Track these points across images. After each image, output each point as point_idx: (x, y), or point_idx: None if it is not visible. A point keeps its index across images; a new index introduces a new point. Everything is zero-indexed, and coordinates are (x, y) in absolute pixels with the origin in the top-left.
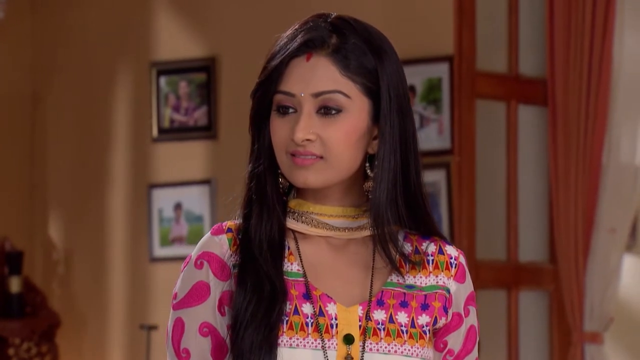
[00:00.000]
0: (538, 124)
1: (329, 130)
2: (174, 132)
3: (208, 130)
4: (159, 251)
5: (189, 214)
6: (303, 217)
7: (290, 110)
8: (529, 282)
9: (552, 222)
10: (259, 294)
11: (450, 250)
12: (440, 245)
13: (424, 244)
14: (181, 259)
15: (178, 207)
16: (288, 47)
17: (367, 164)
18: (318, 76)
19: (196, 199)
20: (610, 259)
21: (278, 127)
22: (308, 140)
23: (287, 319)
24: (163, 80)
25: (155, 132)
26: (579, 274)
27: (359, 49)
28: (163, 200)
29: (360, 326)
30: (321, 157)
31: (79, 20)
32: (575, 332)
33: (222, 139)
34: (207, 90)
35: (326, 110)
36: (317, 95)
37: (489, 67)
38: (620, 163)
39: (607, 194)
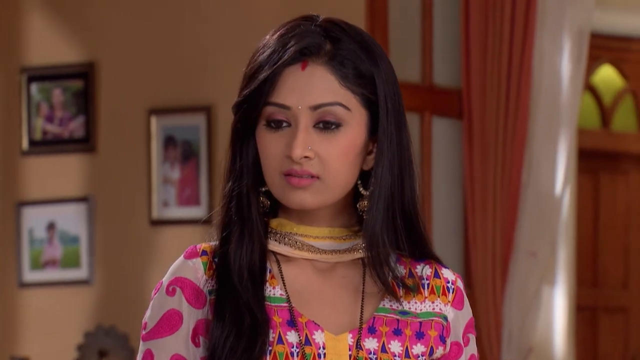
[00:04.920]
0: (453, 138)
1: (327, 147)
2: (46, 145)
3: (85, 143)
4: (30, 275)
5: (63, 234)
6: (286, 239)
7: (284, 124)
8: None
9: (467, 244)
10: (239, 326)
11: (447, 273)
12: (436, 268)
13: (418, 266)
14: (54, 284)
15: (51, 226)
16: (280, 55)
17: (359, 182)
18: (315, 87)
19: (72, 218)
20: (530, 284)
21: (270, 144)
22: (306, 157)
23: (270, 349)
24: (34, 87)
25: (25, 144)
26: (496, 300)
27: (355, 55)
28: (34, 220)
29: (350, 356)
30: (317, 177)
31: None
32: None
33: (101, 153)
34: (84, 99)
35: (325, 125)
36: (315, 108)
37: (401, 76)
38: (540, 182)
39: (527, 214)
